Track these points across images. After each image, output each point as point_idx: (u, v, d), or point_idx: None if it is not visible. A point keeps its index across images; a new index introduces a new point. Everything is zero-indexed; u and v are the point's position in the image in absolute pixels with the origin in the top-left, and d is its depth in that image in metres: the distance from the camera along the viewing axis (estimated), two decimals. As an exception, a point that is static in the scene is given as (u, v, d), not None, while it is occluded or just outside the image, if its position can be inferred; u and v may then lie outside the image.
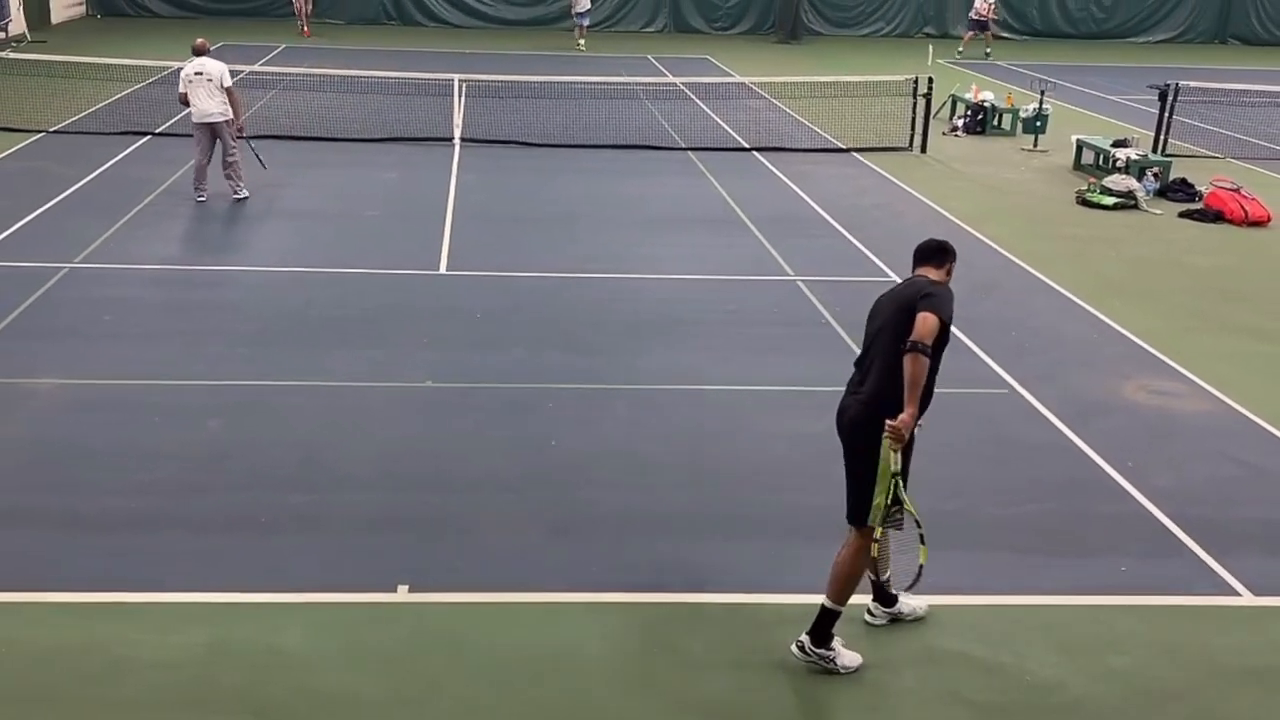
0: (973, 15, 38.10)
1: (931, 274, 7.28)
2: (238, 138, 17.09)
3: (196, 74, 16.64)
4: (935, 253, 7.43)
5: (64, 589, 7.67)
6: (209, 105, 16.62)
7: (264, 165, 17.65)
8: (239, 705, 6.65)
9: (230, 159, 17.01)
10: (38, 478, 9.10)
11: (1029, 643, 7.52)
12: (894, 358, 6.84)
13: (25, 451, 9.51)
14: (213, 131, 16.79)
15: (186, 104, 16.79)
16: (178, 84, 17.01)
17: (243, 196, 17.10)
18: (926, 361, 6.63)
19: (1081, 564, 8.51)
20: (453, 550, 8.34)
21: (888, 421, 6.65)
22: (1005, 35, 43.63)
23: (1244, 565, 8.49)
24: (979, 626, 7.71)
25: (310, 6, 37.64)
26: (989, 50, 37.86)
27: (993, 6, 37.81)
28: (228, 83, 16.77)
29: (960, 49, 37.80)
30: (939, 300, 6.87)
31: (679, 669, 7.15)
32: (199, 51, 16.99)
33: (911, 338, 6.67)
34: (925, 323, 6.68)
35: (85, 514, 8.60)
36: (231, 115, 16.81)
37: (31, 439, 9.73)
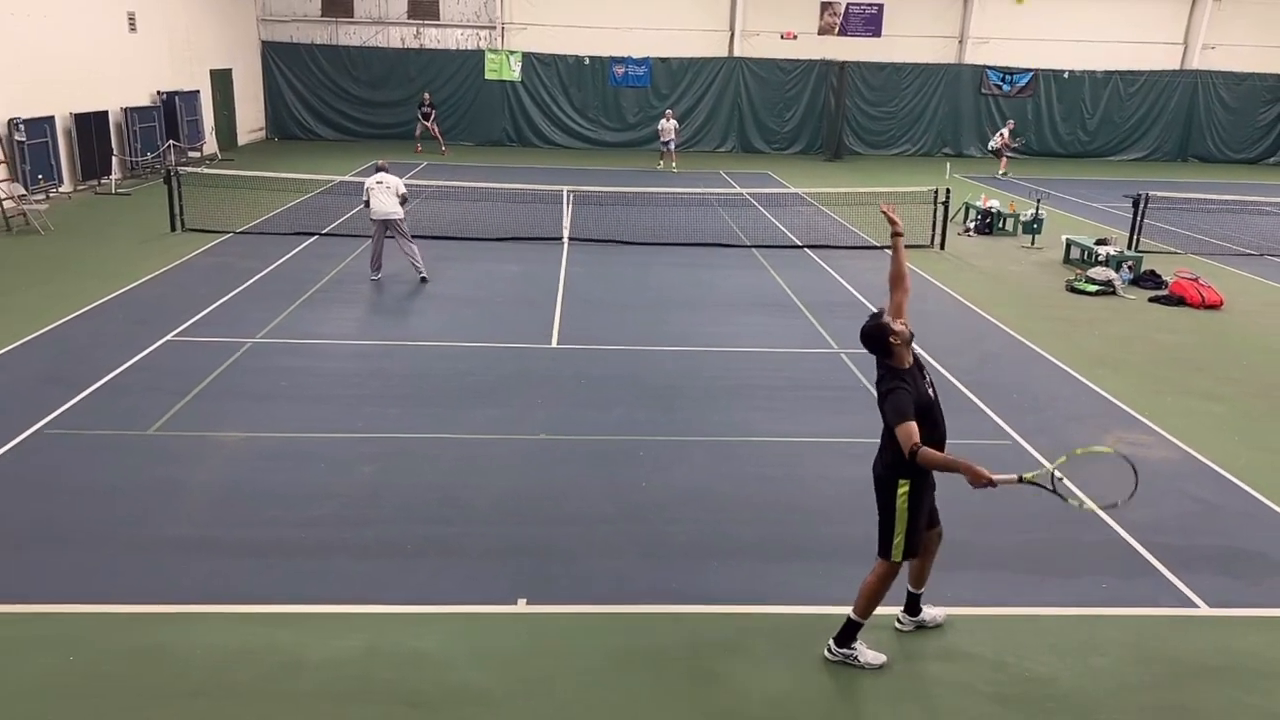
0: (995, 145, 38.16)
1: (886, 360, 6.94)
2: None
3: (378, 182, 17.63)
4: (877, 345, 6.95)
5: (247, 602, 7.81)
6: (387, 205, 17.55)
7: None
8: (390, 696, 6.76)
9: (408, 250, 17.90)
10: (226, 513, 9.26)
11: (1027, 645, 7.59)
12: (886, 438, 6.88)
13: (216, 491, 9.68)
14: (387, 225, 17.70)
15: (369, 205, 17.65)
16: (361, 193, 18.12)
17: (425, 276, 18.02)
18: (929, 453, 6.57)
19: (1070, 582, 8.53)
20: (562, 571, 8.40)
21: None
22: (1008, 155, 43.57)
23: (1201, 582, 8.56)
24: (987, 632, 7.76)
25: (437, 128, 38.23)
26: (1005, 172, 37.75)
27: (1006, 136, 37.77)
28: (402, 190, 17.71)
29: (1003, 171, 37.46)
30: (892, 409, 6.71)
31: (747, 667, 7.20)
32: (382, 168, 17.99)
33: (905, 450, 6.59)
34: (903, 436, 6.60)
35: (265, 542, 8.76)
36: (403, 215, 17.71)
37: (221, 481, 9.89)
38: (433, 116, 38.08)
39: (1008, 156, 37.94)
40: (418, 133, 38.17)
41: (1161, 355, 15.13)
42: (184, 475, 9.97)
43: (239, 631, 7.45)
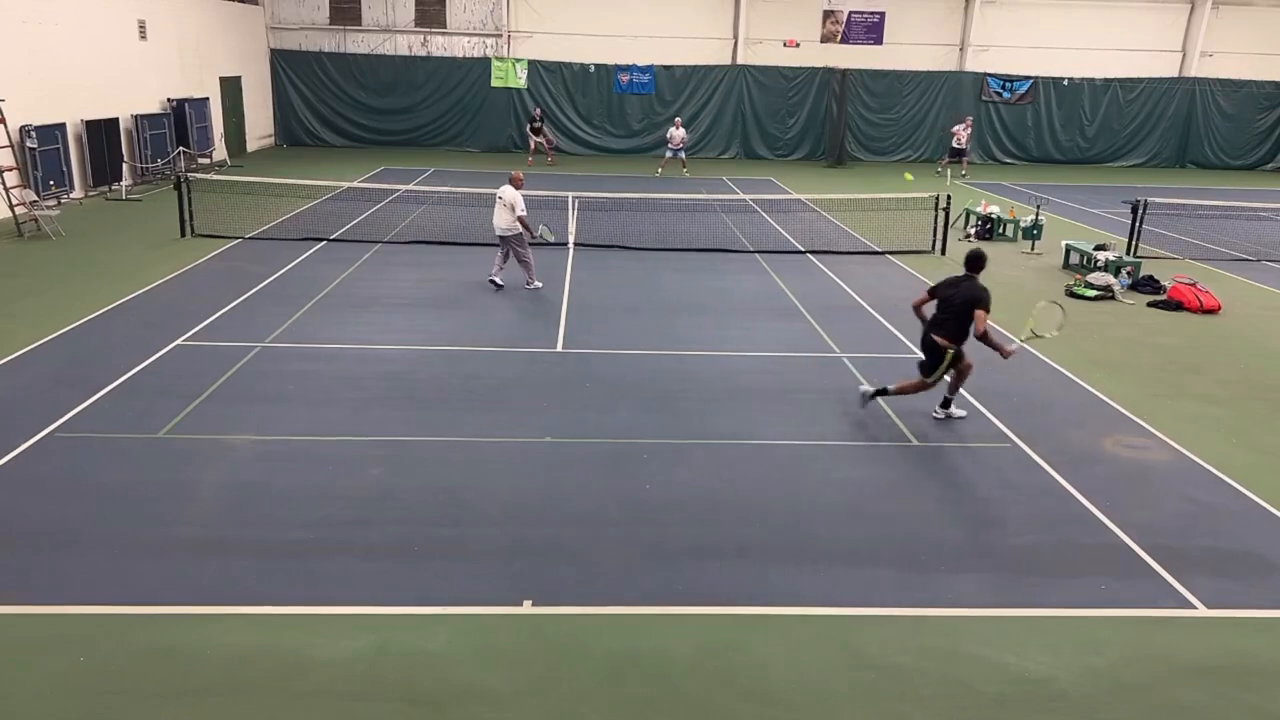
0: (954, 145, 38.33)
1: (978, 277, 11.49)
2: (530, 243, 18.24)
3: (498, 197, 17.82)
4: (978, 261, 11.58)
5: (257, 603, 7.82)
6: (501, 220, 17.84)
7: (553, 237, 19.44)
8: (397, 695, 6.77)
9: (522, 261, 18.18)
10: (235, 514, 9.27)
11: (1027, 645, 7.60)
12: (963, 324, 11.34)
13: (225, 493, 9.69)
14: (504, 240, 17.95)
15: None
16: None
17: (536, 286, 18.21)
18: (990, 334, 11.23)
19: (1069, 583, 8.52)
20: (567, 572, 8.40)
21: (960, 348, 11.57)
22: (1008, 161, 44.17)
23: (1199, 584, 8.58)
24: (988, 633, 7.75)
25: (548, 143, 38.37)
26: (964, 174, 38.53)
27: (969, 135, 38.05)
28: (520, 210, 17.66)
29: (939, 169, 38.69)
30: (987, 299, 11.22)
31: (748, 666, 7.20)
32: (513, 180, 18.02)
33: (976, 332, 11.19)
34: (981, 319, 11.10)
35: (273, 543, 8.77)
36: (520, 230, 17.79)
37: (230, 483, 9.90)
38: (543, 130, 38.26)
39: (966, 160, 38.75)
40: (547, 148, 38.30)
41: (1160, 359, 15.14)
42: (194, 477, 9.99)
43: (248, 631, 7.45)
